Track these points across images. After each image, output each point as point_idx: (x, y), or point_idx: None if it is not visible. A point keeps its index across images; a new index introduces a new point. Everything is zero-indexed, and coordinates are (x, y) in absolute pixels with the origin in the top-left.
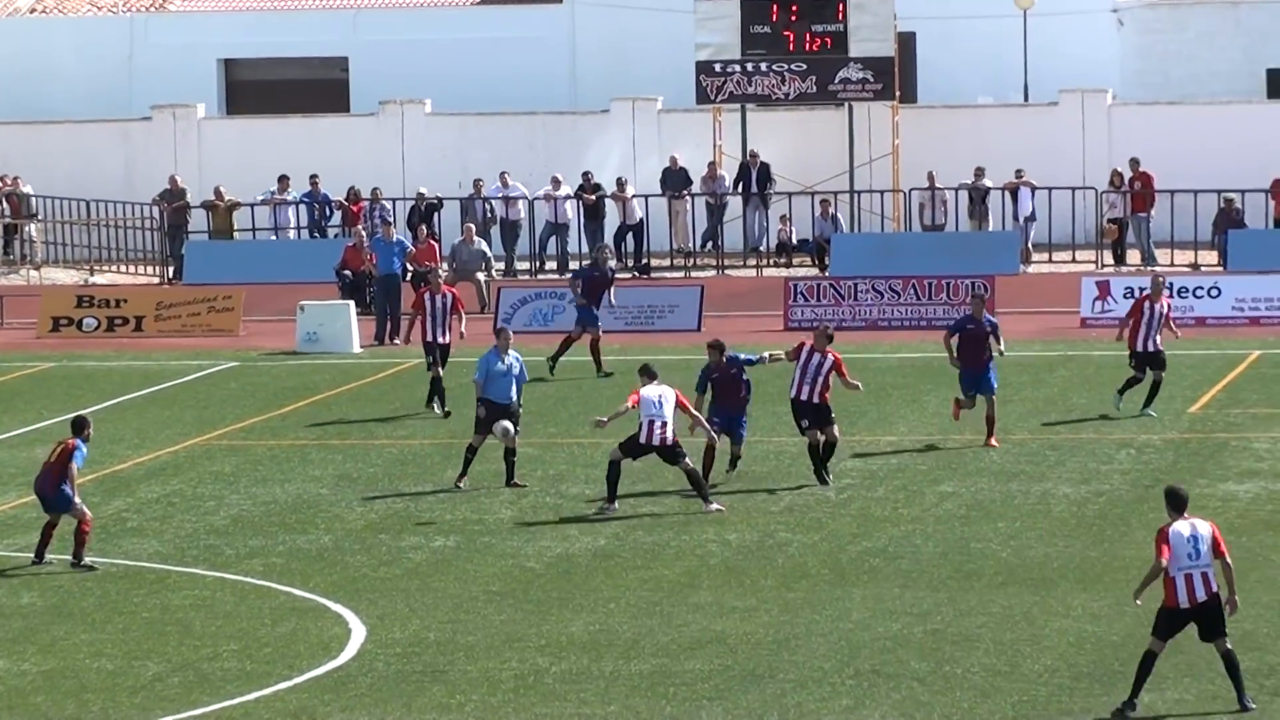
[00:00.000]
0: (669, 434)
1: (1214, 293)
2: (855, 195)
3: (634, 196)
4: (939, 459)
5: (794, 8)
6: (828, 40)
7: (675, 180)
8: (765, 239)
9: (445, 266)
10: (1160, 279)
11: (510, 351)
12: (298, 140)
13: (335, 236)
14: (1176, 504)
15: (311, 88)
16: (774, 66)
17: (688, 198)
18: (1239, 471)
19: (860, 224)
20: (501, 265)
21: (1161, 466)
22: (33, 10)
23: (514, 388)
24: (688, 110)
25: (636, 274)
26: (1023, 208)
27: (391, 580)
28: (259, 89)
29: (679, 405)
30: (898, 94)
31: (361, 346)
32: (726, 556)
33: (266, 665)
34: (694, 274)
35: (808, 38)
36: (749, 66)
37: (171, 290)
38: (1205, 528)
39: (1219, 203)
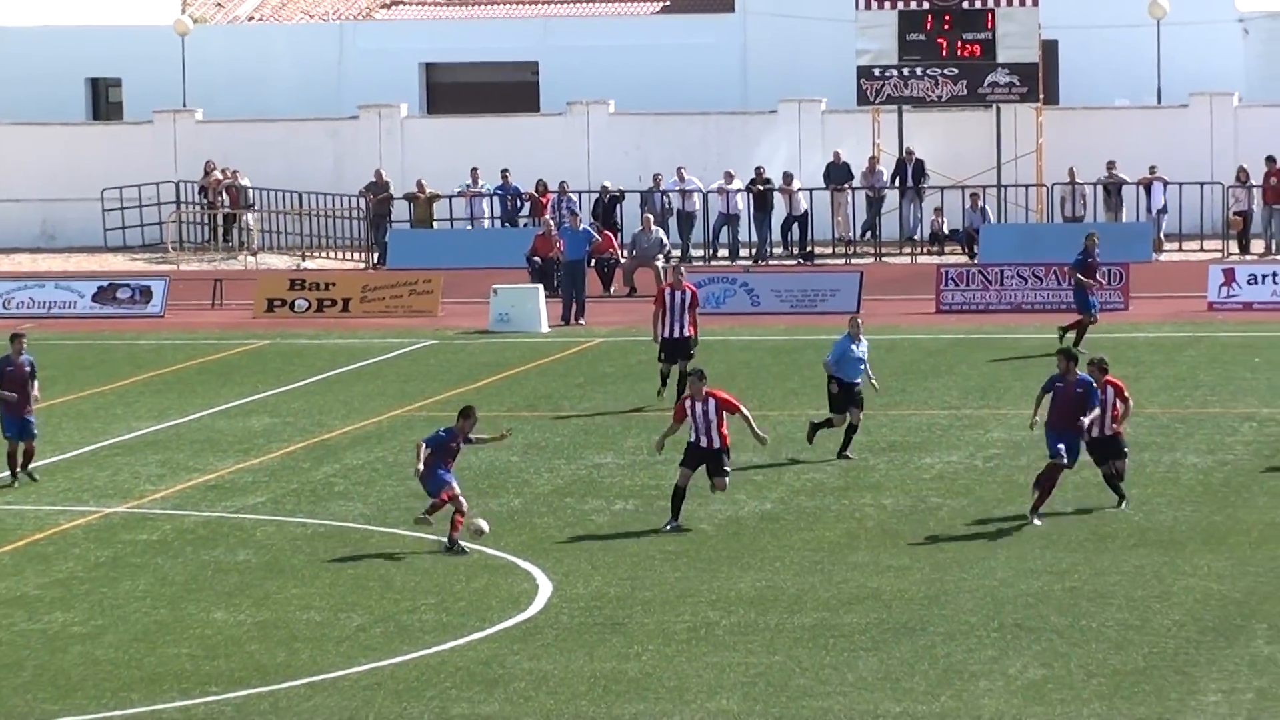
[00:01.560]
0: (715, 440)
1: None
2: (1002, 189)
3: (799, 189)
4: None
5: (947, 17)
6: (977, 47)
7: (838, 174)
8: (919, 229)
9: (625, 254)
10: None
11: (862, 338)
12: (492, 138)
13: (525, 226)
14: None
15: (504, 89)
16: (928, 71)
17: (848, 191)
18: None
19: (1006, 215)
20: (678, 253)
21: None
22: (250, 18)
23: (861, 368)
24: (849, 111)
25: (801, 260)
26: (1155, 201)
27: (575, 540)
28: (457, 90)
29: (725, 408)
30: (1041, 96)
31: (549, 326)
32: (882, 519)
33: (461, 617)
34: (853, 261)
35: (959, 45)
36: (905, 71)
37: (376, 275)
38: None
39: None
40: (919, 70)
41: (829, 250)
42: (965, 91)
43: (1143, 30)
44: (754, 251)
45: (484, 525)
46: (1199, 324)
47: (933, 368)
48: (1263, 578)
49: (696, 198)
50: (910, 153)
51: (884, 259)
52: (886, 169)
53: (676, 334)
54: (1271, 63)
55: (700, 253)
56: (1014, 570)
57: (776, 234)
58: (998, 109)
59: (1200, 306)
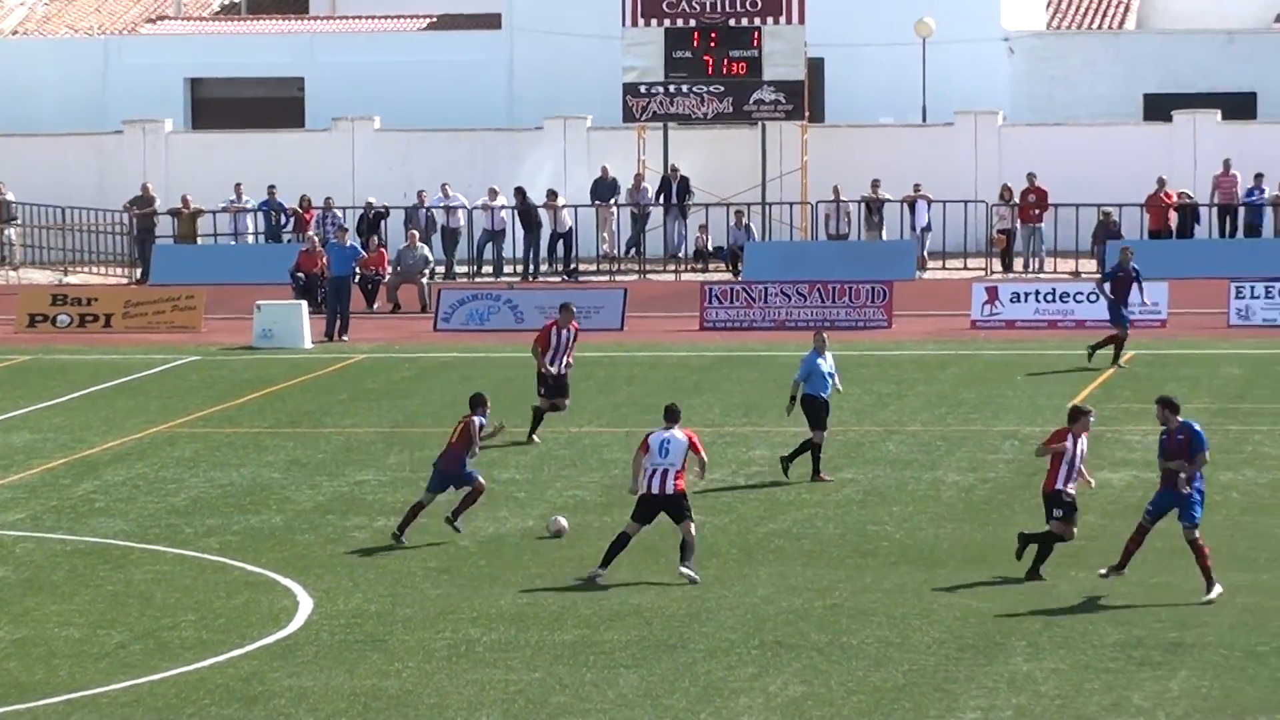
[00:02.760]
0: (670, 485)
1: (1093, 298)
2: (767, 207)
3: (564, 206)
4: (839, 448)
5: (714, 35)
6: (743, 65)
7: (603, 191)
8: (684, 246)
9: (390, 270)
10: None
11: (828, 353)
12: (257, 154)
13: (289, 241)
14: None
15: (270, 105)
16: (694, 88)
17: (614, 207)
18: (1113, 461)
19: (771, 233)
20: (442, 269)
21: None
22: (15, 32)
23: (829, 383)
24: (615, 128)
25: (565, 277)
26: (919, 219)
27: (336, 557)
28: (222, 106)
29: (691, 448)
30: (807, 114)
31: (312, 343)
32: (643, 537)
33: (221, 634)
34: (618, 278)
35: (726, 62)
36: (671, 88)
37: (139, 290)
38: None
39: (1098, 215)
40: (685, 88)
41: (594, 267)
42: (731, 109)
43: (909, 49)
44: (520, 268)
45: (563, 524)
46: (962, 342)
47: (696, 385)
48: (1022, 595)
49: (461, 214)
50: (675, 170)
51: (648, 276)
52: (651, 186)
53: (561, 371)
54: (1036, 82)
55: (465, 269)
56: (775, 587)
57: (544, 250)
58: (763, 126)
59: (963, 324)
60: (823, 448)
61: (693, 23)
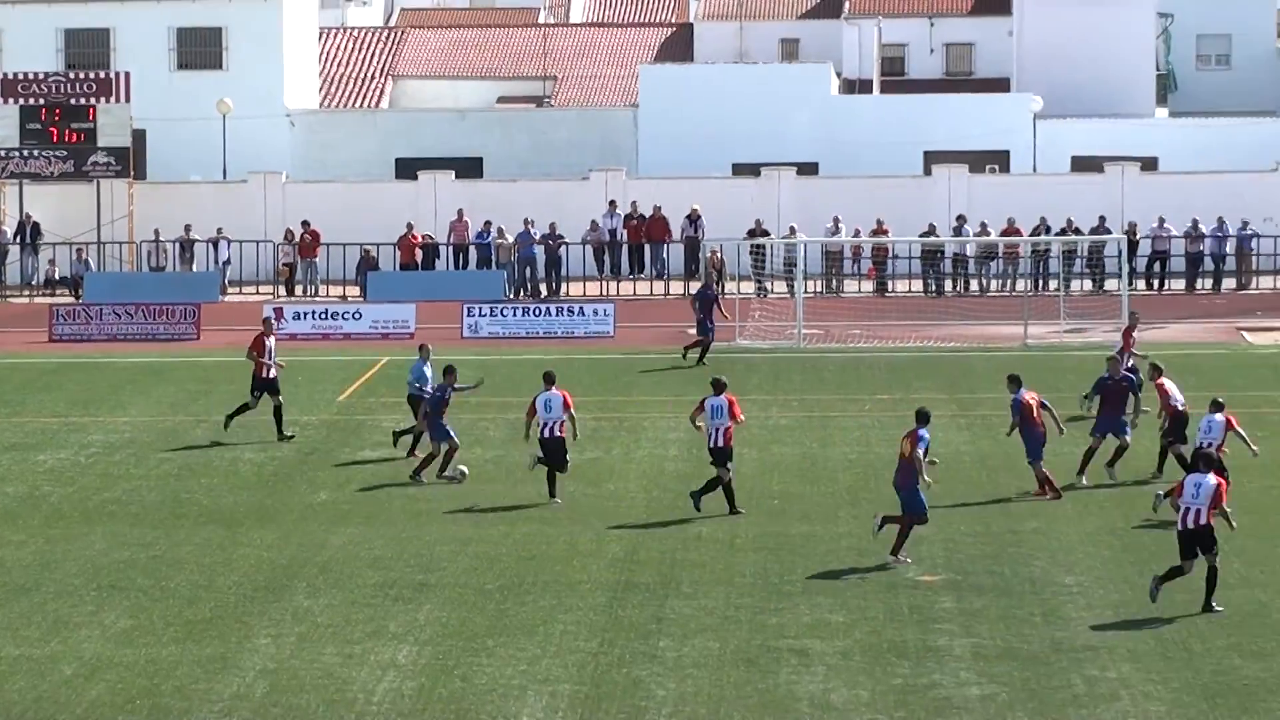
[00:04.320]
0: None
1: (357, 315)
2: (102, 245)
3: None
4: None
5: (58, 111)
6: (82, 134)
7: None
8: (37, 275)
9: None
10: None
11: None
12: None
13: None
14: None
15: None
16: (43, 153)
17: None
18: (372, 442)
19: (105, 265)
20: None
21: (318, 439)
22: None
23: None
24: None
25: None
26: (222, 254)
27: None
28: None
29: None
30: (133, 173)
31: None
32: (4, 504)
33: None
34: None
35: (68, 132)
36: (25, 152)
37: None
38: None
39: (361, 252)
40: (36, 152)
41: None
42: (73, 169)
43: (214, 122)
44: None
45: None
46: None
47: (46, 384)
48: (302, 547)
49: None
50: (29, 216)
51: (9, 299)
52: (10, 228)
53: (269, 374)
54: (311, 148)
55: None
56: (109, 543)
57: None
58: (99, 183)
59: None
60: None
61: (41, 101)
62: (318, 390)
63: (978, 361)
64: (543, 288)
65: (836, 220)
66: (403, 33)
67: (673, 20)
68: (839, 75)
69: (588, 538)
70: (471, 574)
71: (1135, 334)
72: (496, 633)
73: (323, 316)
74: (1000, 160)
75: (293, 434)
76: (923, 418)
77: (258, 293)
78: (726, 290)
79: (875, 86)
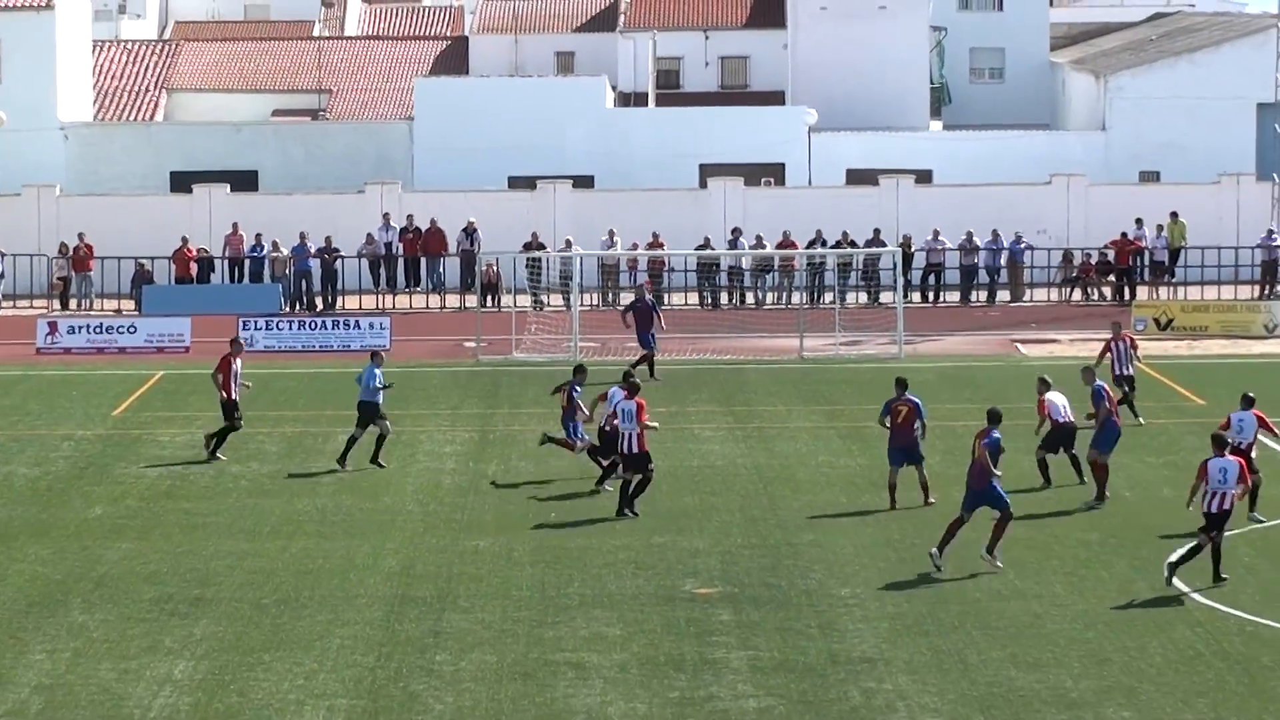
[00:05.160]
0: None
1: (132, 329)
2: None
3: None
4: None
5: None
6: None
7: None
8: None
9: None
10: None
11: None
12: None
13: None
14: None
15: None
16: None
17: None
18: (148, 457)
19: None
20: None
21: (94, 453)
22: None
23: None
24: None
25: None
26: None
27: None
28: None
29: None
30: None
31: None
32: None
33: None
34: None
35: None
36: None
37: None
38: None
39: (136, 265)
40: None
41: None
42: None
43: None
44: None
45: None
46: (29, 364)
47: None
48: (78, 562)
49: None
50: None
51: None
52: None
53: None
54: (86, 161)
55: None
56: None
57: None
58: None
59: (30, 351)
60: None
61: None
62: (93, 404)
63: (753, 374)
64: (319, 301)
65: (612, 233)
66: (177, 45)
67: (448, 34)
68: (614, 88)
69: (364, 552)
70: (248, 588)
71: (1123, 343)
72: (273, 647)
73: (97, 330)
74: (775, 173)
75: (224, 457)
76: (994, 418)
77: (32, 306)
78: (503, 304)
79: (651, 99)
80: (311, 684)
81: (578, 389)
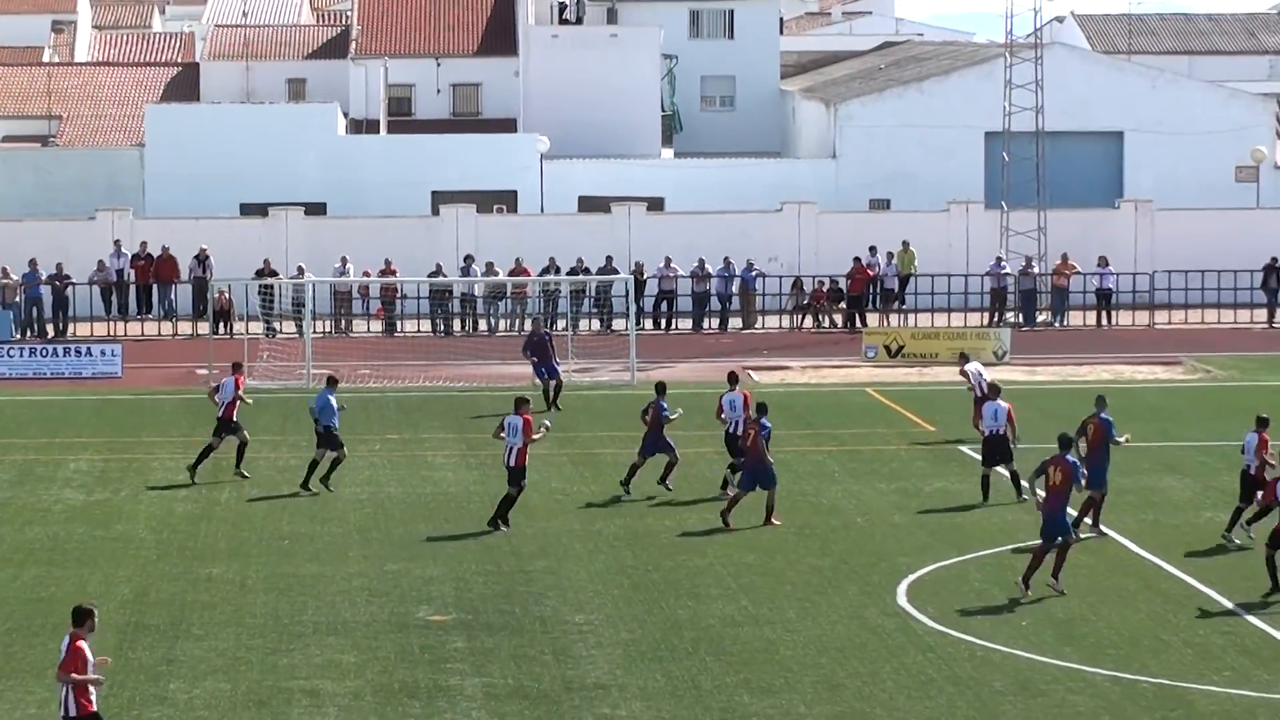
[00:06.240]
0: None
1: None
2: None
3: None
4: None
5: None
6: None
7: None
8: None
9: None
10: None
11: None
12: None
13: None
14: None
15: None
16: None
17: None
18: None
19: None
20: None
21: None
22: None
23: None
24: None
25: None
26: None
27: None
28: None
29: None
30: None
31: None
32: None
33: None
34: None
35: None
36: None
37: None
38: None
39: None
40: None
41: None
42: None
43: None
44: None
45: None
46: None
47: None
48: None
49: None
50: None
51: None
52: None
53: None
54: None
55: None
56: None
57: None
58: None
59: None
60: None
61: None
62: None
63: (486, 401)
64: (50, 328)
65: (345, 260)
66: None
67: (179, 60)
68: (346, 115)
69: (96, 579)
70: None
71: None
72: (4, 676)
73: None
74: (508, 200)
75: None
76: (1065, 444)
77: None
78: (235, 331)
79: (383, 127)
80: (44, 713)
81: (665, 407)
